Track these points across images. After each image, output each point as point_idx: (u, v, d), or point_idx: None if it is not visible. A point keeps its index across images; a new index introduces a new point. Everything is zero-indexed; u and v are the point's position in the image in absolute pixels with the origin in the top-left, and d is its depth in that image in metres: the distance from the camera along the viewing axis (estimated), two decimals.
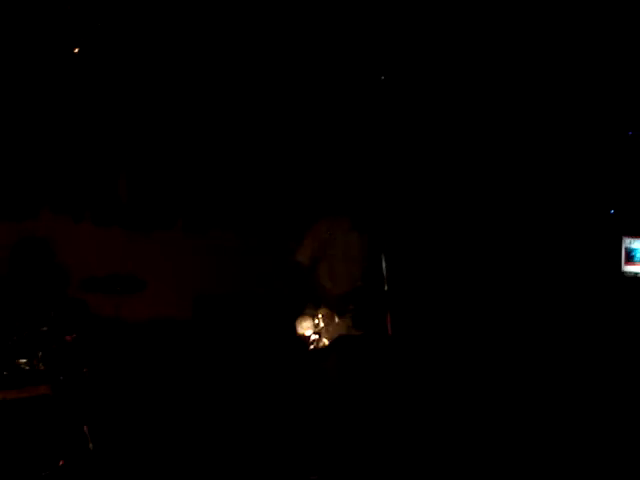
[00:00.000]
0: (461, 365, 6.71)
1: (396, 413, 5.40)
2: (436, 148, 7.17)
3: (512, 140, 6.95)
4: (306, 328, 5.29)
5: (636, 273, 6.63)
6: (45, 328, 5.57)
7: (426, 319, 6.81)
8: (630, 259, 6.65)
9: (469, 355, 6.76)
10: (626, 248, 6.65)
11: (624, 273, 6.65)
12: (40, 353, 5.49)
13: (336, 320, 5.29)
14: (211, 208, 7.50)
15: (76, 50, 6.02)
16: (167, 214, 7.39)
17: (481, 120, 7.00)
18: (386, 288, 5.25)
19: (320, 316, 5.29)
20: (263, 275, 7.15)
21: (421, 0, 6.29)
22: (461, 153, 7.09)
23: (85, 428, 5.33)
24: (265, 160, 7.57)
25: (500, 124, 6.97)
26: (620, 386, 6.00)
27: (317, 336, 5.28)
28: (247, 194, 7.58)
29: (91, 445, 5.28)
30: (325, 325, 5.28)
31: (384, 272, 5.29)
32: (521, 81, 6.77)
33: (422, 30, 6.47)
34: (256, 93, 7.16)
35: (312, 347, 5.27)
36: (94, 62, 6.51)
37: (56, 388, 5.39)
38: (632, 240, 6.64)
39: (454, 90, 6.95)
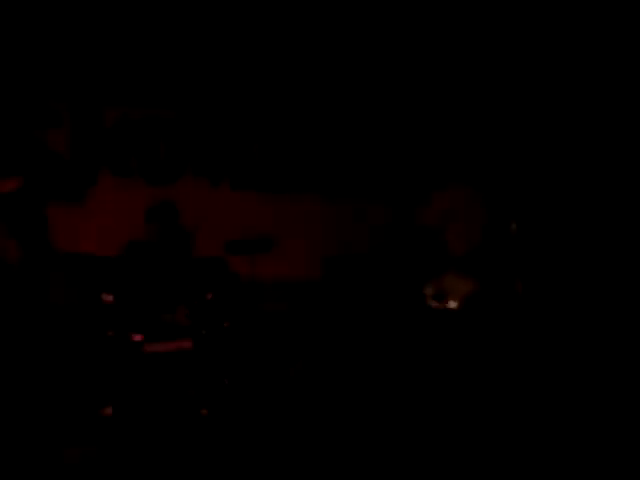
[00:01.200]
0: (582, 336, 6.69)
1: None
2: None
3: None
4: (434, 292, 5.42)
5: None
6: (188, 286, 5.86)
7: (553, 286, 6.81)
8: None
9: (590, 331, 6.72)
10: None
11: None
12: (182, 309, 5.80)
13: (463, 282, 5.38)
14: (343, 174, 7.71)
15: None
16: (300, 179, 7.65)
17: None
18: (514, 251, 5.30)
19: (447, 279, 5.40)
20: (392, 238, 7.30)
21: None
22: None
23: (225, 381, 5.62)
24: (393, 129, 7.70)
25: None
26: None
27: (445, 299, 5.39)
28: (378, 162, 7.73)
29: (231, 396, 5.57)
30: (452, 288, 5.38)
31: (511, 235, 5.34)
32: None
33: None
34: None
35: (441, 310, 5.40)
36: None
37: (198, 342, 5.68)
38: None
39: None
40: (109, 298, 5.70)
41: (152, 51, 6.85)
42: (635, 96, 6.78)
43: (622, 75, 6.76)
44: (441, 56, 7.22)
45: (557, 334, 6.48)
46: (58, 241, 5.72)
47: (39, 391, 5.25)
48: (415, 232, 5.70)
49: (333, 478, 5.20)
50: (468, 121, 7.31)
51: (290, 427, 5.82)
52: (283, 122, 7.64)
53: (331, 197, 7.68)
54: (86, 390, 5.45)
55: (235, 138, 7.56)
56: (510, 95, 7.17)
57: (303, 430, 5.74)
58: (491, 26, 6.60)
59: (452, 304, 5.37)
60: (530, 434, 5.26)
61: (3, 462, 4.68)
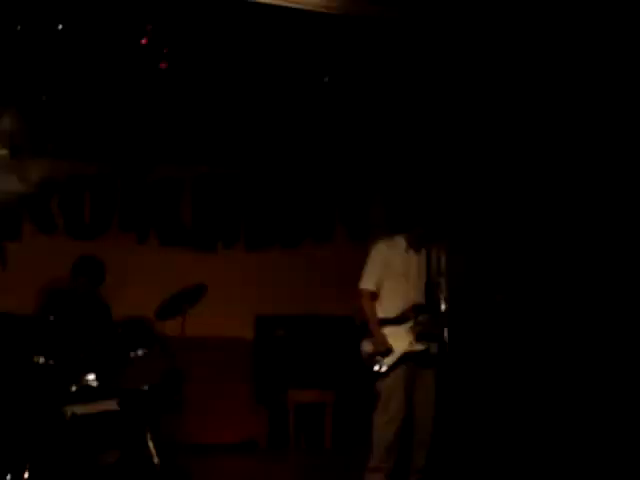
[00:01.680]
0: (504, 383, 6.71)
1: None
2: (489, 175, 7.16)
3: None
4: (371, 348, 5.34)
5: None
6: (112, 345, 5.68)
7: (482, 338, 6.81)
8: None
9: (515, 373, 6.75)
10: None
11: None
12: (107, 370, 5.61)
13: (400, 338, 5.33)
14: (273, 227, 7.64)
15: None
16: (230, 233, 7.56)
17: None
18: (444, 307, 5.26)
19: (385, 335, 5.34)
20: (327, 295, 7.24)
21: None
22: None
23: (150, 443, 5.41)
24: (323, 182, 7.69)
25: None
26: None
27: (381, 356, 5.32)
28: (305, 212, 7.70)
29: (156, 460, 5.36)
30: (390, 344, 5.33)
31: (444, 291, 5.31)
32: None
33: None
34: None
35: (377, 366, 5.32)
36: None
37: (124, 403, 5.48)
38: None
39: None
40: (40, 360, 5.52)
41: (76, 102, 6.68)
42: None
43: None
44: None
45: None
46: None
47: None
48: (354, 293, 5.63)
49: None
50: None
51: None
52: (213, 176, 7.57)
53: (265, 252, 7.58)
54: (5, 455, 5.21)
55: (164, 193, 7.45)
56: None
57: None
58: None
59: (389, 359, 5.32)
60: None
61: None
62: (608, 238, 6.59)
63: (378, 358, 5.31)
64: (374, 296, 5.45)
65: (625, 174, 6.28)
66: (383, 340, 5.32)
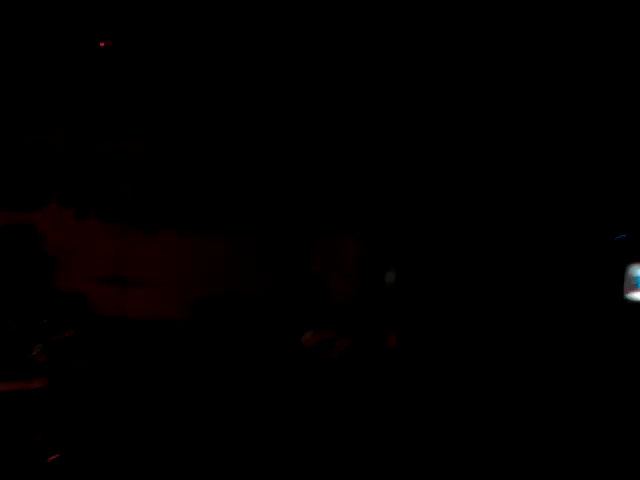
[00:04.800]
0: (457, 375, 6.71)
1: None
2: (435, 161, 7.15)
3: (517, 151, 6.92)
4: (312, 341, 5.30)
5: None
6: (45, 321, 5.51)
7: (427, 333, 6.81)
8: (634, 286, 6.62)
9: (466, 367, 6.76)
10: (630, 275, 6.62)
11: (627, 300, 6.62)
12: (39, 346, 5.44)
13: (341, 334, 5.30)
14: (219, 211, 7.48)
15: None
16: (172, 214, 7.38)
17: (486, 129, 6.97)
18: (386, 302, 5.26)
19: (326, 330, 5.31)
20: (266, 280, 7.12)
21: None
22: (462, 164, 7.07)
23: (78, 423, 5.26)
24: (272, 167, 7.56)
25: (503, 132, 6.93)
26: (618, 408, 5.97)
27: (323, 349, 5.28)
28: (258, 197, 7.55)
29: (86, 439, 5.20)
30: (330, 339, 5.29)
31: (386, 287, 5.31)
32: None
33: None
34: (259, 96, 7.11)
35: (321, 358, 5.27)
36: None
37: (52, 382, 5.32)
38: (637, 267, 6.61)
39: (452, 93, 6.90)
40: None
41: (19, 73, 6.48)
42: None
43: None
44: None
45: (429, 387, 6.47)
46: None
47: None
48: (298, 278, 5.60)
49: None
50: (359, 169, 7.25)
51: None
52: (162, 153, 7.39)
53: (207, 233, 7.40)
54: None
55: (108, 168, 7.24)
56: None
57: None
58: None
59: (331, 354, 5.29)
60: None
61: None
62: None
63: None
64: None
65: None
66: None
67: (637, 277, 6.61)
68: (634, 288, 6.63)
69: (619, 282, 6.69)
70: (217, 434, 5.39)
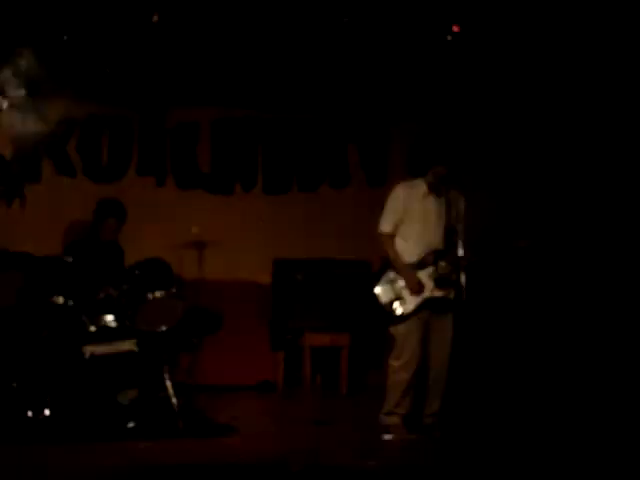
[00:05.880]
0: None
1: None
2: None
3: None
4: (387, 295, 5.34)
5: None
6: (129, 287, 5.71)
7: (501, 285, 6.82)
8: None
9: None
10: None
11: None
12: (125, 311, 5.65)
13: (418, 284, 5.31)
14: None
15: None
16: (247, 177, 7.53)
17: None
18: (462, 252, 5.23)
19: (401, 282, 5.33)
20: (343, 241, 7.22)
21: None
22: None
23: (168, 383, 5.46)
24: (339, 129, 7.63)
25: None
26: None
27: (399, 301, 5.32)
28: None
29: (174, 400, 5.41)
30: (406, 290, 5.31)
31: (462, 236, 5.28)
32: None
33: None
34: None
35: (400, 309, 5.32)
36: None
37: (141, 344, 5.52)
38: None
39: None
40: (59, 300, 5.56)
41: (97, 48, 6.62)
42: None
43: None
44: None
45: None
46: None
47: None
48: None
49: None
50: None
51: None
52: (231, 119, 7.51)
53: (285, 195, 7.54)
54: (26, 392, 5.28)
55: (182, 136, 7.41)
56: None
57: None
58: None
59: (407, 306, 5.31)
60: None
61: None
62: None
63: (400, 301, 5.31)
64: (393, 239, 5.43)
65: None
66: (413, 278, 5.30)
67: None
68: None
69: None
70: None
